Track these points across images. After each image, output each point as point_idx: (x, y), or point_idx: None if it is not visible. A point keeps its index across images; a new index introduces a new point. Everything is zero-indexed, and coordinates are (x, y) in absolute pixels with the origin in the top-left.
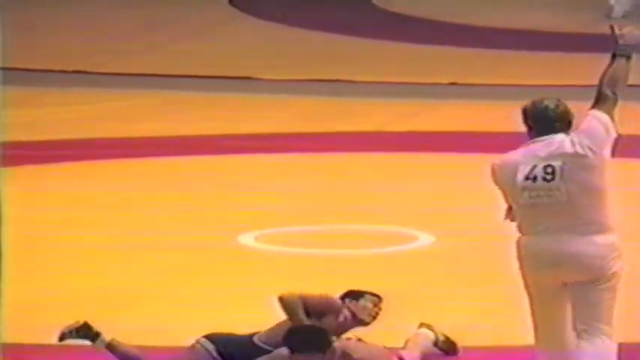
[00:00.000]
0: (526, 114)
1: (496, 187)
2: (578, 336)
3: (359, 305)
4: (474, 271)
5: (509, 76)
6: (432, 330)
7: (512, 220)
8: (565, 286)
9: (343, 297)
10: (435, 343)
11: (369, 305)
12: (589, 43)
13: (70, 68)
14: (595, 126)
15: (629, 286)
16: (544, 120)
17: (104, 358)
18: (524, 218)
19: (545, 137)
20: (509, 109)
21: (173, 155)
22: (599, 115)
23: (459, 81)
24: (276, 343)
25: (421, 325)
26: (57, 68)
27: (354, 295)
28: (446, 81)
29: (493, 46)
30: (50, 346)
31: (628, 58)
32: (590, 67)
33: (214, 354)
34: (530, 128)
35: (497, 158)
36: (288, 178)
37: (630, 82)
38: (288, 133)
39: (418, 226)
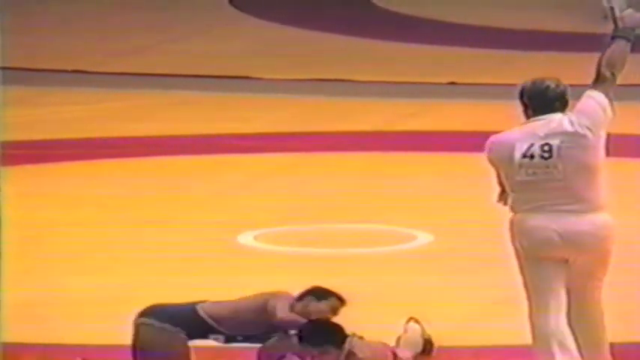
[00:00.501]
0: (525, 92)
1: (492, 184)
2: (570, 300)
3: (318, 306)
4: (472, 271)
5: (508, 75)
6: (420, 324)
7: (506, 203)
8: (562, 261)
9: (307, 292)
10: (425, 344)
11: (326, 309)
12: (587, 43)
13: (71, 68)
14: (593, 106)
15: (629, 286)
16: (544, 99)
17: (104, 357)
18: (519, 195)
19: (544, 116)
20: (508, 109)
21: (172, 155)
22: (597, 95)
23: (458, 81)
24: (221, 319)
25: (409, 319)
26: (57, 68)
27: (318, 294)
28: (445, 81)
29: (492, 45)
30: (50, 346)
31: (627, 40)
32: (588, 67)
33: (172, 328)
34: (526, 107)
35: (493, 136)
36: (287, 177)
37: (631, 81)
38: (287, 133)
39: (417, 226)
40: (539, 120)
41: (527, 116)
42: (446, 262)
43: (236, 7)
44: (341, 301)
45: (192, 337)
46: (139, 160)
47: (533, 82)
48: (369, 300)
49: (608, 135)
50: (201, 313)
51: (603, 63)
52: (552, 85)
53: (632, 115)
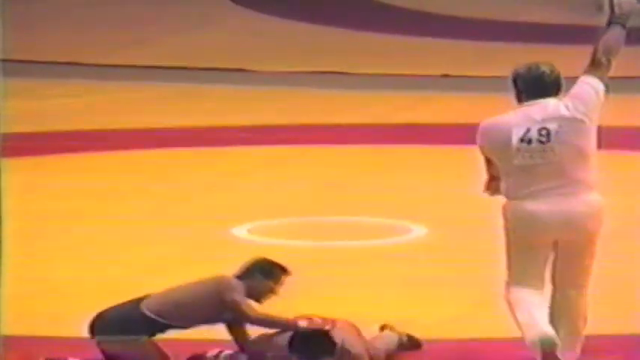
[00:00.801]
0: (519, 77)
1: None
2: (556, 289)
3: (267, 284)
4: (467, 263)
5: (501, 68)
6: (396, 331)
7: (493, 193)
8: (554, 244)
9: (252, 268)
10: (400, 344)
11: (274, 286)
12: (580, 35)
13: (67, 60)
14: (588, 92)
15: (628, 282)
16: (540, 84)
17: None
18: (515, 180)
19: (539, 101)
20: (502, 101)
21: (168, 147)
22: (591, 80)
23: (452, 73)
24: (169, 314)
25: (384, 327)
26: (54, 60)
27: (264, 270)
28: (438, 73)
29: (485, 38)
30: (50, 338)
31: (623, 26)
32: (582, 60)
33: (131, 338)
34: (519, 91)
35: (486, 120)
36: (281, 169)
37: (626, 74)
38: (281, 125)
39: (411, 218)
40: (534, 104)
41: (520, 100)
42: (440, 255)
43: None
44: (285, 272)
45: (151, 335)
46: (134, 152)
47: (528, 67)
48: (362, 292)
49: (603, 127)
50: (148, 313)
51: (599, 48)
52: (547, 71)
53: (627, 108)
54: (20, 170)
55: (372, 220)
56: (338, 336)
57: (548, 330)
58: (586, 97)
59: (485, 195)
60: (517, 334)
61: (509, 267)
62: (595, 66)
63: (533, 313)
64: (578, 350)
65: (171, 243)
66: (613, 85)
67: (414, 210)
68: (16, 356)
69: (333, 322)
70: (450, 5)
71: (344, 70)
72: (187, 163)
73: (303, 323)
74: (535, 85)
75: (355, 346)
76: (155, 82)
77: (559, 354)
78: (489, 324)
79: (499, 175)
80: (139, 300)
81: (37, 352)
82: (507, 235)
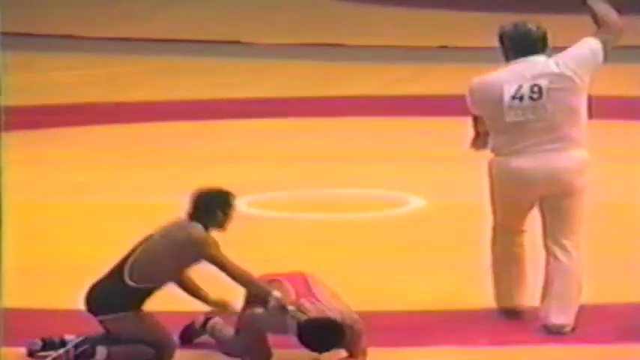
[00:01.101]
0: (506, 36)
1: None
2: (548, 254)
3: (228, 217)
4: (465, 235)
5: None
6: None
7: (478, 148)
8: (538, 199)
9: (209, 204)
10: None
11: (232, 214)
12: (576, 4)
13: (61, 33)
14: (583, 50)
15: (626, 248)
16: (527, 41)
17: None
18: (505, 137)
19: (528, 58)
20: None
21: (164, 121)
22: (592, 41)
23: (449, 44)
24: (151, 278)
25: None
26: (53, 33)
27: (222, 205)
28: (436, 44)
29: (483, 8)
30: (51, 311)
31: None
32: (578, 29)
33: (128, 315)
34: (506, 50)
35: (477, 78)
36: (279, 142)
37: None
38: (278, 98)
39: (409, 191)
40: (524, 62)
41: (508, 59)
42: (438, 227)
43: None
44: (233, 195)
45: (144, 302)
46: (133, 126)
47: (515, 25)
48: (361, 264)
49: (592, 97)
50: (133, 284)
51: (599, 18)
52: (534, 28)
53: (616, 77)
54: (19, 143)
55: (370, 192)
56: (337, 313)
57: (518, 304)
58: (579, 56)
59: (472, 151)
60: None
61: (494, 216)
62: (601, 27)
63: (511, 280)
64: (571, 318)
65: (171, 215)
66: (619, 55)
67: (411, 182)
68: (15, 329)
69: (303, 277)
70: None
71: (341, 42)
72: (185, 136)
73: (276, 294)
74: (522, 43)
75: (355, 320)
76: (153, 56)
77: (551, 321)
78: (485, 296)
79: (486, 132)
80: (121, 270)
81: (38, 325)
82: (492, 189)
